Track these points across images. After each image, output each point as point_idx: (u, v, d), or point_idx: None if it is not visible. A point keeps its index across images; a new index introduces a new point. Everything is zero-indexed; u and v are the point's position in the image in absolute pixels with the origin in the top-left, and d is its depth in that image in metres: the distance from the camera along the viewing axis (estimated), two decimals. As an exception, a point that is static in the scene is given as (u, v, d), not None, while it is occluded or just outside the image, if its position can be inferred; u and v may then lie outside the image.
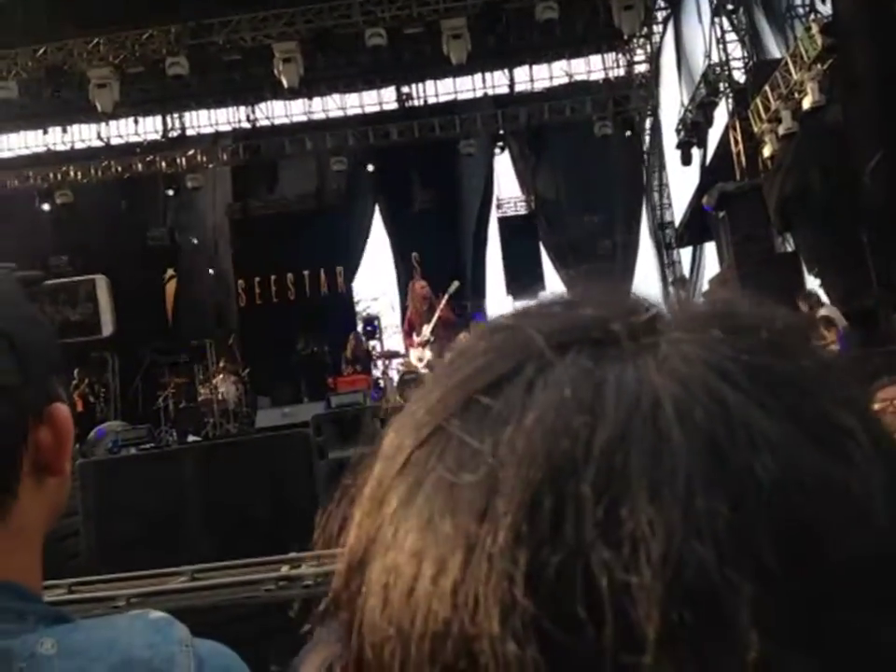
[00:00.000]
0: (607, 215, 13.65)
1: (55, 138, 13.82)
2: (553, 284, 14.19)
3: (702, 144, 11.15)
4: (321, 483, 4.89)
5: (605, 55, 14.22)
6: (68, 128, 13.68)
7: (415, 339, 8.62)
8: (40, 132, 13.77)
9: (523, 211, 14.55)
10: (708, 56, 11.50)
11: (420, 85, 14.25)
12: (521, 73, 14.19)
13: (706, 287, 11.64)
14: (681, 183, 12.63)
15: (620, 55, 14.25)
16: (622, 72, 14.22)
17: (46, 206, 12.68)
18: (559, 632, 0.21)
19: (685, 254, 13.66)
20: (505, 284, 14.11)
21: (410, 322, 8.90)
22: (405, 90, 14.25)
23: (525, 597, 0.22)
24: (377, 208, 14.26)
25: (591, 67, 14.21)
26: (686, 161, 11.43)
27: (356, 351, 10.80)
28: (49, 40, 10.70)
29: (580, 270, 13.65)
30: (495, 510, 0.23)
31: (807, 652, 0.21)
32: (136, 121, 13.86)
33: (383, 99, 14.30)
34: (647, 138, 14.37)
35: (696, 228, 11.38)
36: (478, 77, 14.02)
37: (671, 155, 13.18)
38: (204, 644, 0.65)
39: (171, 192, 12.98)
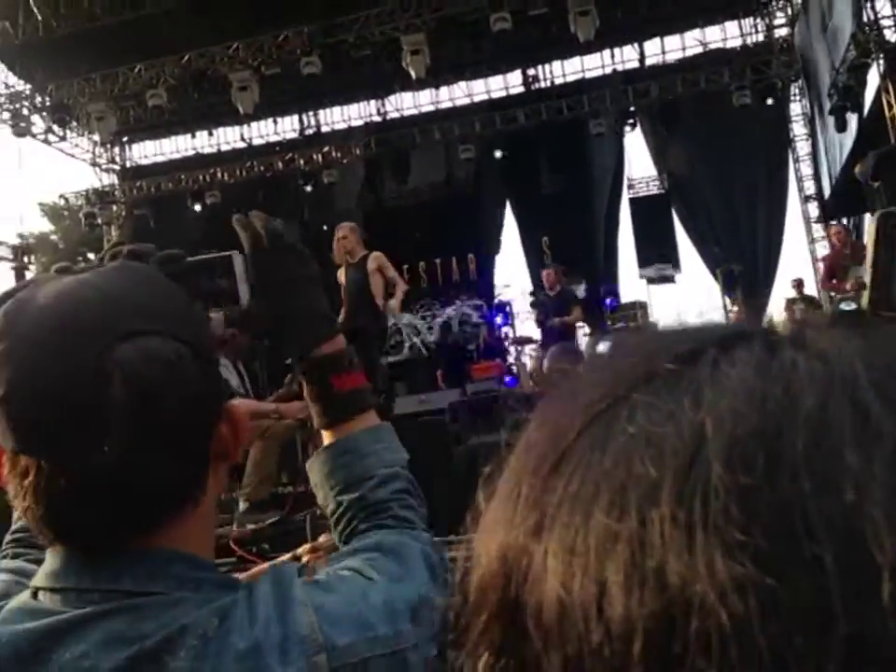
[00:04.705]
0: (748, 190, 12.98)
1: (202, 142, 14.68)
2: (689, 265, 13.70)
3: (856, 108, 10.35)
4: (459, 469, 4.95)
5: (742, 21, 13.48)
6: (214, 131, 14.49)
7: (836, 283, 8.05)
8: (188, 136, 14.66)
9: (655, 190, 14.09)
10: (857, 15, 10.66)
11: (547, 66, 14.05)
12: (651, 46, 13.70)
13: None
14: (833, 151, 11.79)
15: (758, 20, 13.48)
16: (761, 37, 13.44)
17: (197, 207, 13.46)
18: (787, 567, 0.23)
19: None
20: (638, 267, 13.74)
21: (830, 268, 8.51)
22: (531, 72, 14.09)
23: (745, 535, 0.23)
24: (506, 194, 14.21)
25: (727, 34, 13.53)
26: (841, 127, 10.64)
27: (488, 339, 10.84)
28: (192, 48, 11.33)
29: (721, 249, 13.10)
30: (703, 459, 0.25)
31: None
32: (275, 121, 14.49)
33: (509, 83, 14.22)
34: (791, 106, 13.55)
35: (849, 199, 10.61)
36: (606, 53, 13.65)
37: (822, 122, 12.32)
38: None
39: (308, 188, 13.46)
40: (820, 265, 13.12)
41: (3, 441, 0.67)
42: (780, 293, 12.37)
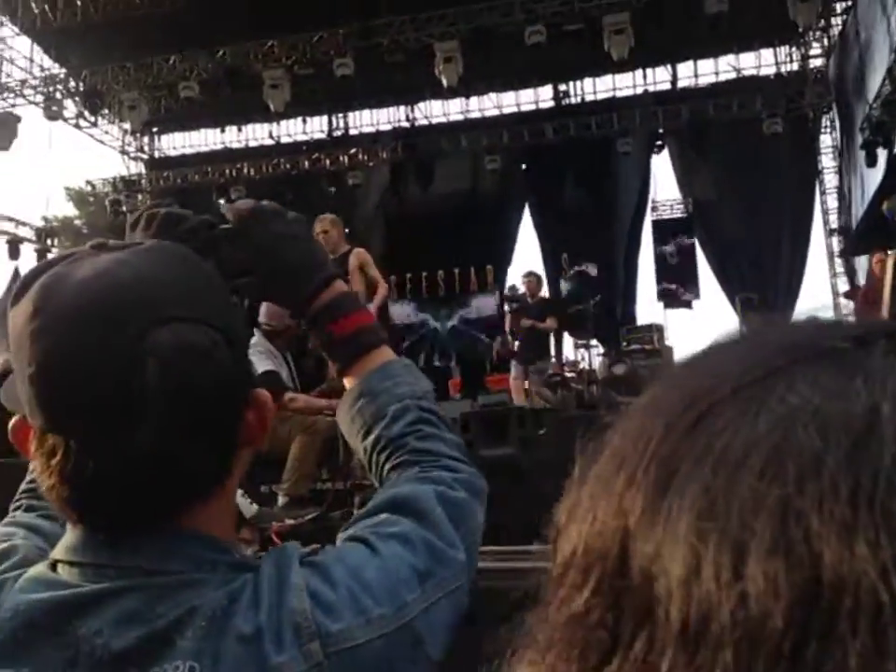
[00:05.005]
0: (773, 220, 12.90)
1: (231, 136, 14.78)
2: (709, 291, 13.62)
3: (887, 144, 10.30)
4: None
5: (777, 49, 13.46)
6: (243, 127, 14.59)
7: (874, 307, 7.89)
8: (218, 130, 14.76)
9: (679, 214, 14.04)
10: (894, 50, 10.60)
11: (578, 83, 14.08)
12: (684, 68, 13.70)
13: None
14: (861, 186, 11.71)
15: (794, 49, 13.45)
16: (795, 67, 13.41)
17: (222, 200, 13.53)
18: None
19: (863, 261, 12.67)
20: (657, 289, 13.68)
21: (865, 295, 8.30)
22: (562, 87, 14.11)
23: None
24: (528, 208, 14.20)
25: (761, 62, 13.51)
26: (871, 162, 10.59)
27: (501, 352, 10.82)
28: (227, 43, 11.41)
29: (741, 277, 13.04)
30: (876, 439, 0.24)
31: None
32: (304, 121, 14.57)
33: (539, 97, 14.25)
34: (821, 137, 13.48)
35: (874, 234, 10.52)
36: (638, 73, 13.66)
37: (851, 156, 12.26)
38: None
39: (333, 189, 13.49)
40: (841, 300, 13.03)
41: (31, 419, 0.67)
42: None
